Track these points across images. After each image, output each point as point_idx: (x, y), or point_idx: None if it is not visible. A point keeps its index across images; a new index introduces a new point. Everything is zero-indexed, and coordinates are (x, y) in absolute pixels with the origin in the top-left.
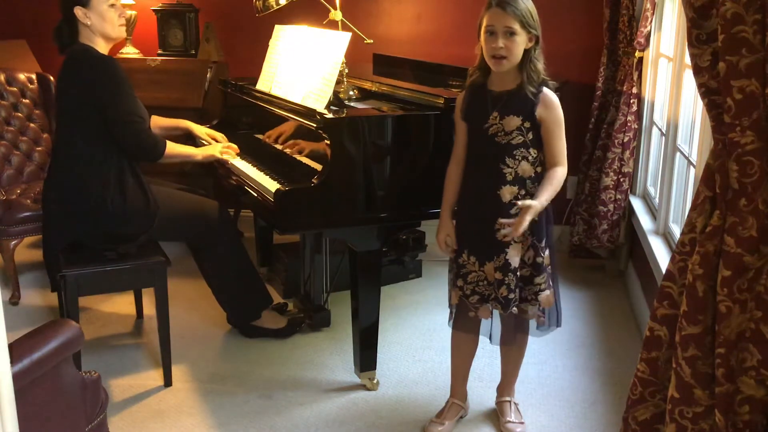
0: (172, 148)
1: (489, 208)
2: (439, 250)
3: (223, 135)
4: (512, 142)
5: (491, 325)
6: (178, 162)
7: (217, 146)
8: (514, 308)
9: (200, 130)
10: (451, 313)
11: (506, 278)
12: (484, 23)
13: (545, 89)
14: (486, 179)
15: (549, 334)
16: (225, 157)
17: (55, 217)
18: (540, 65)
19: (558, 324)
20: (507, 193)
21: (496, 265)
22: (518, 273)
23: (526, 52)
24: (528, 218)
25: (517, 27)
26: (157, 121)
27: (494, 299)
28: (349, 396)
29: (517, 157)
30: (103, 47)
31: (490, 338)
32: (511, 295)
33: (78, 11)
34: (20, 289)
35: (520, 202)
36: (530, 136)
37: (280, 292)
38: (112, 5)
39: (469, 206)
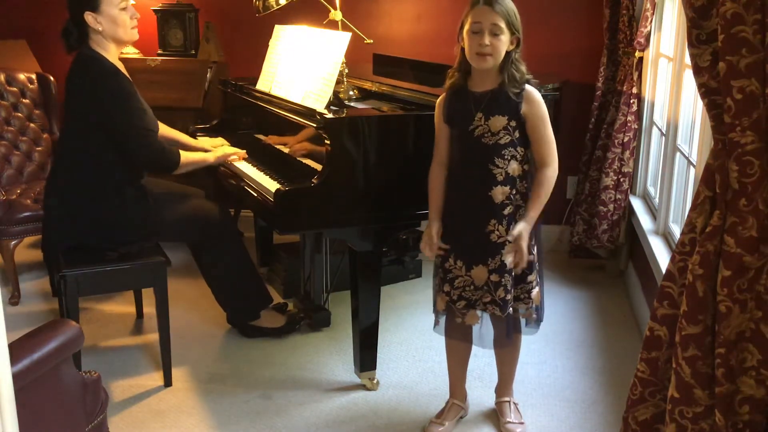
0: (186, 157)
1: (481, 210)
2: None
3: (222, 139)
4: (500, 142)
5: (480, 330)
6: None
7: (227, 149)
8: (510, 309)
9: (199, 144)
10: (436, 318)
11: (503, 279)
12: (469, 21)
13: (527, 86)
14: (476, 181)
15: (537, 331)
16: (232, 158)
17: (56, 223)
18: (523, 67)
19: (541, 319)
20: (499, 193)
21: (491, 267)
22: (512, 273)
23: (507, 54)
24: (525, 243)
25: (503, 25)
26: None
27: (491, 302)
28: (349, 396)
29: (506, 157)
30: (114, 52)
31: (482, 343)
32: (508, 296)
33: (88, 17)
34: (20, 289)
35: (509, 236)
36: (517, 134)
37: (280, 292)
38: (124, 8)
39: (458, 210)
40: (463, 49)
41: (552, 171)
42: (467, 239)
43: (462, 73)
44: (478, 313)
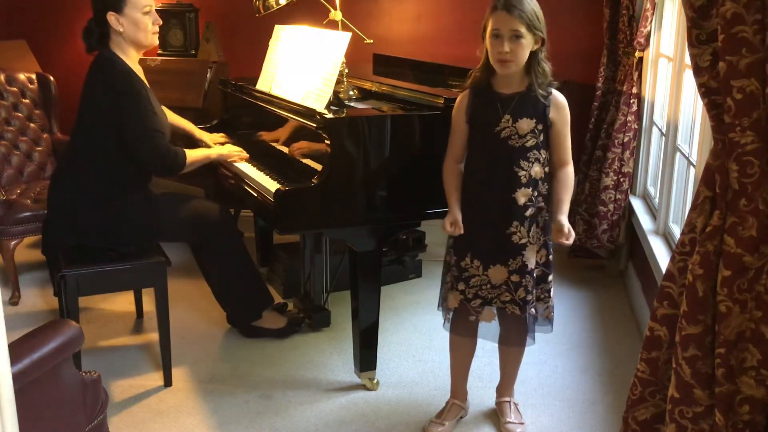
0: (191, 155)
1: (504, 211)
2: (444, 230)
3: (223, 135)
4: (526, 144)
5: (488, 326)
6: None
7: (230, 147)
8: (533, 309)
9: (202, 134)
10: (444, 316)
11: (523, 280)
12: (490, 26)
13: (554, 91)
14: (500, 183)
15: (550, 330)
16: (233, 159)
17: (58, 222)
18: (548, 67)
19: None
20: (522, 196)
21: (512, 268)
22: (534, 274)
23: (533, 53)
24: (572, 232)
25: (523, 30)
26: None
27: (511, 302)
28: (349, 396)
29: (530, 159)
30: (133, 56)
31: (487, 336)
32: (529, 297)
33: (111, 17)
34: (20, 289)
35: (567, 233)
36: (542, 138)
37: (280, 292)
38: (147, 12)
39: (479, 210)
40: (487, 51)
41: (572, 169)
42: (487, 239)
43: (485, 73)
44: (494, 310)
